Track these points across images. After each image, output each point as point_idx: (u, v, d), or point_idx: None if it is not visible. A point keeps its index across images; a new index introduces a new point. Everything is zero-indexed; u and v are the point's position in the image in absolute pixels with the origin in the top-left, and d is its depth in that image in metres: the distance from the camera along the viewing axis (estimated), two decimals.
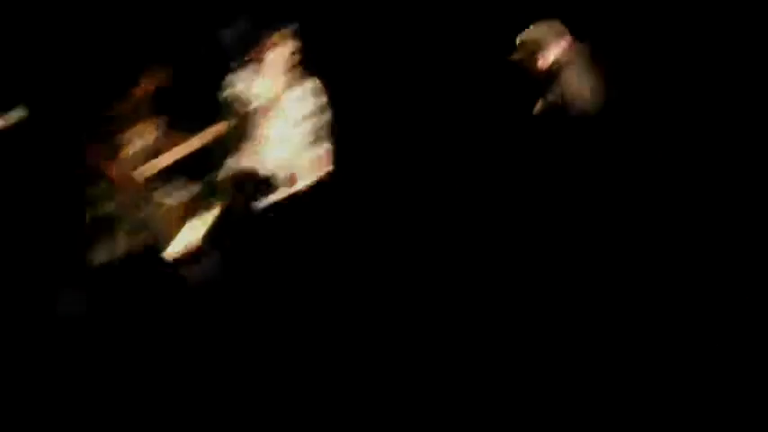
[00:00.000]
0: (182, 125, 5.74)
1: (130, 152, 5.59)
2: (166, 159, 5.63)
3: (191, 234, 5.31)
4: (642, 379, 4.12)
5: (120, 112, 5.58)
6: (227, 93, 5.43)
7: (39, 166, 5.33)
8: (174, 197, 5.62)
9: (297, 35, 5.44)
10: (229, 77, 5.44)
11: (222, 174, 5.41)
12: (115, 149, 5.54)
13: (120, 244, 5.35)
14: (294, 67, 5.45)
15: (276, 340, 4.60)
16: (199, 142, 5.64)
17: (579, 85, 4.88)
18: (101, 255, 5.27)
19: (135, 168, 5.55)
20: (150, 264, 5.24)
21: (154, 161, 5.60)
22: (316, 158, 5.48)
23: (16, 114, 5.24)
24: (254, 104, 5.39)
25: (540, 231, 4.63)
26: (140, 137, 5.63)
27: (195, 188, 5.59)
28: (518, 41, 4.95)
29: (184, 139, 5.66)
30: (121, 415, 4.47)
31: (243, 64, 5.43)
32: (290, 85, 5.44)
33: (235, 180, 5.35)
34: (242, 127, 5.40)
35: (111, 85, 5.61)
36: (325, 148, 5.49)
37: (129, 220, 5.43)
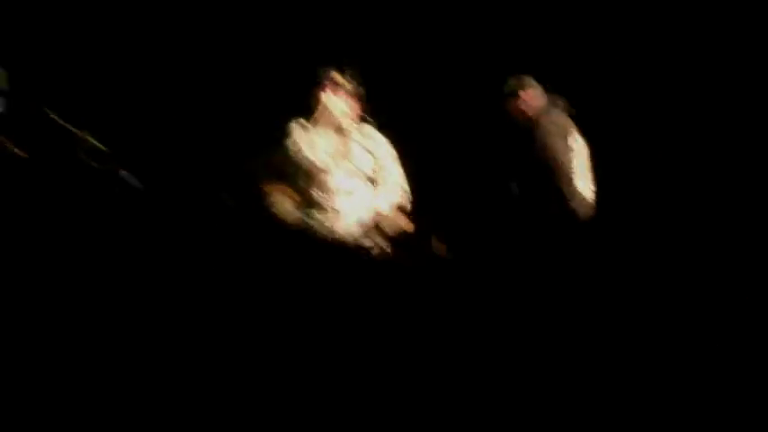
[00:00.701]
0: None
1: None
2: None
3: None
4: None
5: None
6: (289, 152, 5.36)
7: None
8: None
9: (354, 77, 5.37)
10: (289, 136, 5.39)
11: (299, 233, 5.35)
12: None
13: None
14: (354, 112, 5.38)
15: None
16: None
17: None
18: None
19: None
20: None
21: None
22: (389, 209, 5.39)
23: None
24: (318, 158, 5.31)
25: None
26: None
27: None
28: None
29: None
30: None
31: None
32: (351, 133, 5.37)
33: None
34: (310, 184, 5.33)
35: None
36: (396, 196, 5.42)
37: None
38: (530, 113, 5.79)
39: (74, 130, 5.11)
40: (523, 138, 5.76)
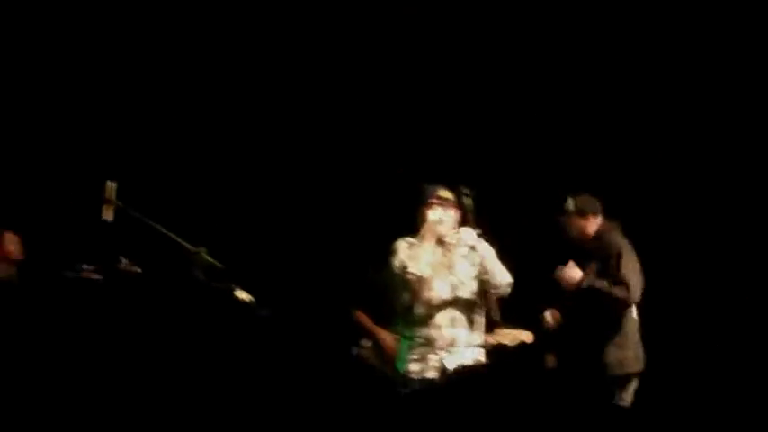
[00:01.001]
0: None
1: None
2: None
3: None
4: None
5: None
6: (392, 265, 5.44)
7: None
8: None
9: (462, 195, 5.44)
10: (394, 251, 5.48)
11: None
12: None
13: None
14: (459, 225, 5.46)
15: None
16: None
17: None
18: None
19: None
20: None
21: None
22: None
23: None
24: (422, 272, 5.37)
25: None
26: None
27: None
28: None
29: None
30: None
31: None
32: (455, 246, 5.44)
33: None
34: (415, 295, 5.39)
35: None
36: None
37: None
38: (593, 235, 5.92)
39: (189, 246, 5.23)
40: (594, 251, 5.85)
